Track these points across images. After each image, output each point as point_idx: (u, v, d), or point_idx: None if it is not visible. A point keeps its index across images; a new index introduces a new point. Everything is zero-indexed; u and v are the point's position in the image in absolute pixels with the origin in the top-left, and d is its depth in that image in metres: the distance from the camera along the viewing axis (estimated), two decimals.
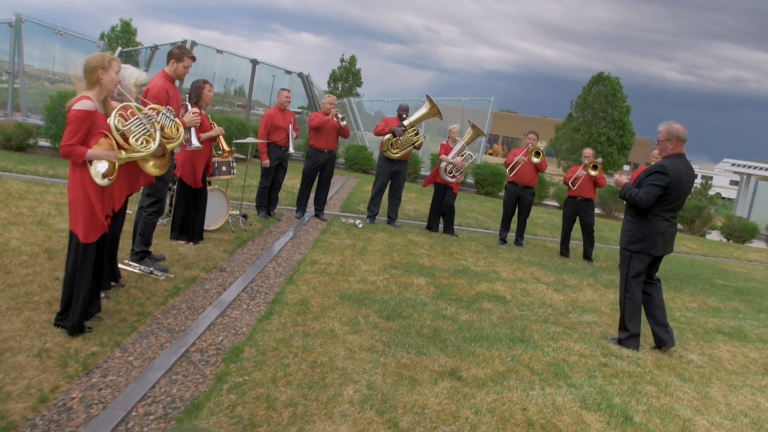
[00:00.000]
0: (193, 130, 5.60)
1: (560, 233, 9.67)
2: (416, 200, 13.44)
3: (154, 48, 18.87)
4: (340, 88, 34.61)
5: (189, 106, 5.57)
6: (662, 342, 5.23)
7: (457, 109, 22.34)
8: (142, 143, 3.99)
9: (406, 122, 9.19)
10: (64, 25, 15.53)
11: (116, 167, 3.83)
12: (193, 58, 5.37)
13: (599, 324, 5.84)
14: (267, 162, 8.41)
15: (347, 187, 14.30)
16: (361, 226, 8.99)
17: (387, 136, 9.20)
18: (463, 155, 9.39)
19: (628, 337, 5.19)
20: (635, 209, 5.11)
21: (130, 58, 20.50)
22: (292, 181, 12.15)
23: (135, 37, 28.12)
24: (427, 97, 9.24)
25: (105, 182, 3.75)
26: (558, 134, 37.92)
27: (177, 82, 5.46)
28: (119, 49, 21.53)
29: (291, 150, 8.47)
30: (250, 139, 7.72)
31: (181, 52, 5.26)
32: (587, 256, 9.40)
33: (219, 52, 18.45)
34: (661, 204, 4.98)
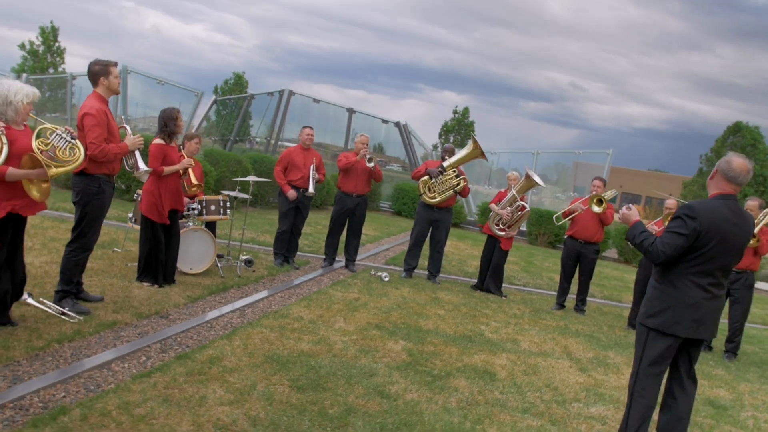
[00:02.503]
0: (137, 153, 5.11)
1: (631, 296, 8.04)
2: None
3: (251, 97, 19.49)
4: (451, 140, 33.89)
5: (128, 129, 5.10)
6: None
7: (568, 162, 20.76)
8: (69, 154, 4.17)
9: (446, 163, 8.20)
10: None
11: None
12: (115, 64, 4.93)
13: (606, 420, 4.39)
14: (292, 192, 7.74)
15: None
16: (387, 279, 8.02)
17: (424, 178, 8.26)
18: (513, 206, 8.17)
19: None
20: (661, 269, 3.72)
21: (224, 105, 21.46)
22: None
23: (247, 89, 29.53)
24: (472, 137, 8.20)
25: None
26: (685, 191, 34.08)
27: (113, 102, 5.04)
28: (213, 97, 22.56)
29: (311, 190, 7.77)
30: (250, 178, 7.14)
31: (103, 66, 4.82)
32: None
33: (316, 101, 18.63)
34: (692, 263, 3.57)
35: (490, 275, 8.40)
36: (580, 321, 7.65)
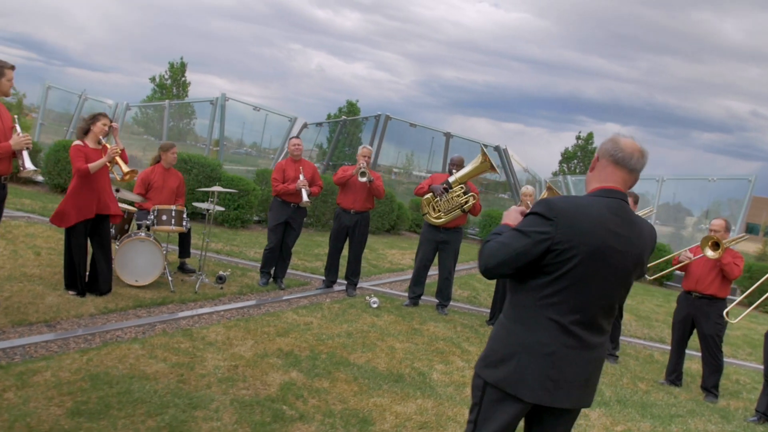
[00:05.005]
0: (25, 153, 4.90)
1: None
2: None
3: (344, 122, 19.45)
4: (573, 167, 31.33)
5: (18, 128, 4.91)
6: None
7: (701, 189, 18.03)
8: None
9: (451, 179, 7.20)
10: None
11: None
12: (12, 67, 4.75)
13: None
14: (294, 185, 7.16)
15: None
16: (375, 305, 7.14)
17: (427, 196, 7.31)
18: None
19: None
20: (510, 297, 2.51)
21: (334, 132, 21.70)
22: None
23: (360, 115, 29.75)
24: (481, 149, 7.13)
25: None
26: None
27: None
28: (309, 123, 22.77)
29: (305, 198, 7.16)
30: (216, 188, 6.73)
31: None
32: (707, 388, 5.90)
33: (412, 125, 18.13)
34: (547, 289, 2.32)
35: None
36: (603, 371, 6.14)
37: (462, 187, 7.15)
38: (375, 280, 8.95)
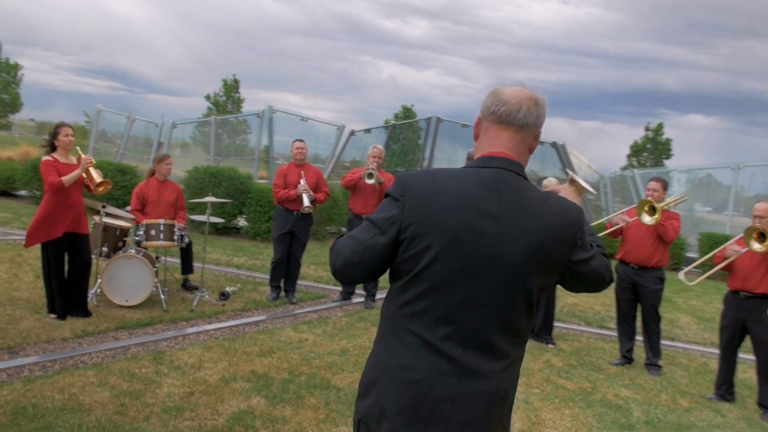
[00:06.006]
0: None
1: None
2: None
3: (392, 127, 18.91)
4: (643, 160, 29.21)
5: None
6: None
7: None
8: None
9: None
10: None
11: None
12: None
13: None
14: (295, 191, 6.71)
15: None
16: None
17: None
18: None
19: None
20: (383, 305, 1.86)
21: (396, 139, 21.14)
22: None
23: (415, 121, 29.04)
24: (570, 174, 6.39)
25: None
26: None
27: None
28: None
29: (306, 203, 6.67)
30: (208, 199, 6.35)
31: None
32: (764, 404, 4.89)
33: (464, 126, 17.39)
34: (406, 294, 1.69)
35: (542, 318, 6.37)
36: (639, 384, 5.27)
37: None
38: None
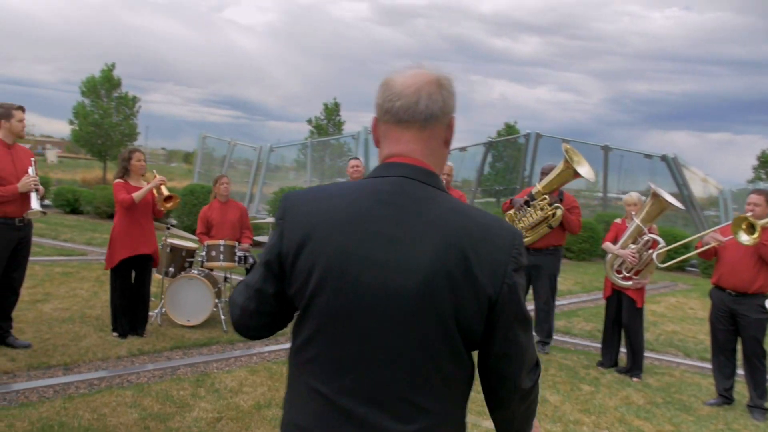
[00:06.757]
0: (33, 194, 4.85)
1: None
2: None
3: (489, 144, 18.29)
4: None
5: (31, 171, 4.88)
6: None
7: None
8: None
9: (534, 189, 6.05)
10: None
11: None
12: (22, 109, 4.79)
13: None
14: None
15: None
16: None
17: (509, 212, 6.21)
18: (638, 242, 5.52)
19: None
20: None
21: (499, 158, 20.40)
22: None
23: (517, 138, 28.05)
24: (564, 151, 5.90)
25: None
26: None
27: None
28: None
29: None
30: (269, 219, 6.29)
31: (6, 110, 4.74)
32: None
33: (565, 141, 16.57)
34: (299, 337, 1.38)
35: (628, 348, 5.71)
36: (735, 429, 4.52)
37: (546, 198, 5.93)
38: None
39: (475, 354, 1.38)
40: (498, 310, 1.29)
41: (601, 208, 16.91)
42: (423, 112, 1.36)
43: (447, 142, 1.44)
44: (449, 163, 6.95)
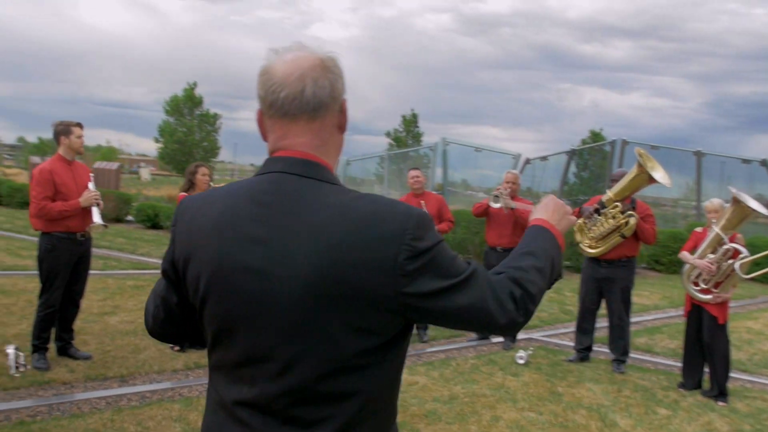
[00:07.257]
0: (94, 209, 4.98)
1: None
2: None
3: (571, 153, 17.51)
4: None
5: (90, 186, 5.00)
6: None
7: None
8: None
9: (604, 197, 5.62)
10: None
11: None
12: (80, 125, 4.94)
13: None
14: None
15: None
16: (522, 362, 5.76)
17: (579, 222, 5.81)
18: (718, 252, 5.01)
19: None
20: None
21: (584, 166, 19.55)
22: None
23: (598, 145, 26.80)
24: (638, 156, 5.46)
25: None
26: None
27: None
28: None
29: None
30: None
31: (65, 126, 4.90)
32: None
33: (654, 147, 15.69)
34: (209, 345, 1.29)
35: (711, 369, 5.17)
36: None
37: (618, 206, 5.49)
38: (552, 329, 7.42)
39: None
40: (411, 302, 1.15)
41: (695, 217, 15.86)
42: (311, 102, 1.22)
43: (341, 127, 1.31)
44: (513, 171, 6.65)
